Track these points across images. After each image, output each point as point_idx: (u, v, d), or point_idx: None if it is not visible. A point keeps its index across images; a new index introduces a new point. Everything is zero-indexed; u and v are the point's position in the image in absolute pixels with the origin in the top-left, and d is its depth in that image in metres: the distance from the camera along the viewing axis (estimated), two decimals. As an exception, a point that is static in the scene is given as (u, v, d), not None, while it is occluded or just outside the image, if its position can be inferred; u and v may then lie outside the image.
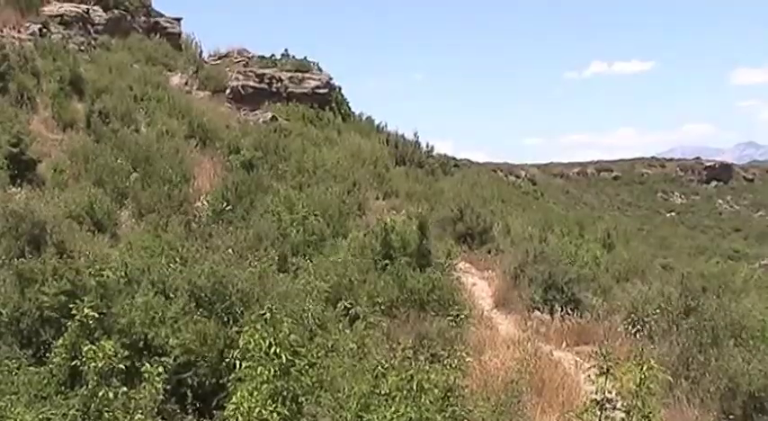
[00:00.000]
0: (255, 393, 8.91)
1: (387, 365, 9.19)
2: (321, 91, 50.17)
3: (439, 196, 36.19)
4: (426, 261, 19.69)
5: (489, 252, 27.45)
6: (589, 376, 9.12)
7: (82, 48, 37.87)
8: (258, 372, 9.07)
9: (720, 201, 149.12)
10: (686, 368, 16.06)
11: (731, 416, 14.34)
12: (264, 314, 9.49)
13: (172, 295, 13.38)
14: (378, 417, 8.61)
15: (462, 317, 16.04)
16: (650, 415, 8.70)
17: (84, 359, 9.39)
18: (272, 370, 9.06)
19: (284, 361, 9.13)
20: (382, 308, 16.33)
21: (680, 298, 19.18)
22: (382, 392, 8.83)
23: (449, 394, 8.94)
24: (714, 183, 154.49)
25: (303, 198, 24.27)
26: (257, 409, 8.62)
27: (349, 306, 14.97)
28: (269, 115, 43.06)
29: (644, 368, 8.82)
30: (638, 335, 17.49)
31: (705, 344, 16.80)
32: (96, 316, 10.88)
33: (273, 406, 8.79)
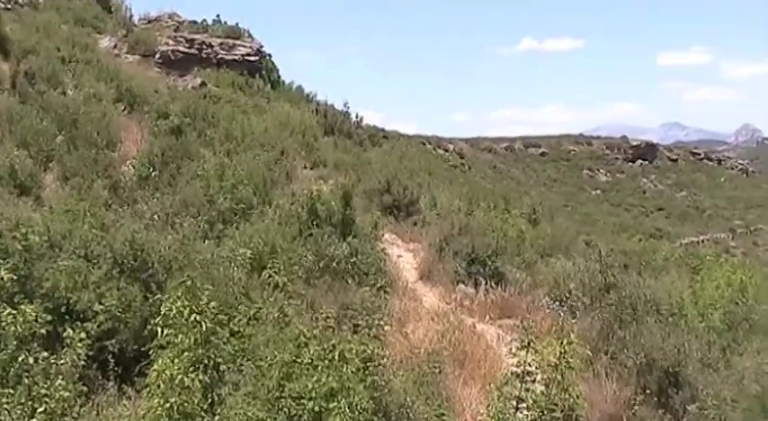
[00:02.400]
0: (177, 361, 8.86)
1: (309, 335, 9.18)
2: (252, 58, 49.80)
3: (367, 167, 36.12)
4: (351, 231, 19.67)
5: (415, 224, 27.49)
6: (511, 349, 9.20)
7: (8, 6, 37.15)
8: (180, 340, 9.02)
9: (645, 179, 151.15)
10: (606, 343, 16.28)
11: (647, 391, 14.56)
12: (185, 282, 9.43)
13: (95, 261, 13.25)
14: (299, 386, 8.61)
15: (386, 287, 16.08)
16: (569, 388, 8.82)
17: (3, 323, 9.24)
18: (194, 338, 9.02)
19: (205, 329, 9.09)
20: (305, 277, 16.31)
21: (602, 274, 19.41)
22: (304, 361, 8.83)
23: (369, 364, 8.96)
24: (639, 162, 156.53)
25: (231, 165, 24.07)
26: (179, 377, 8.58)
27: (272, 274, 14.93)
28: (198, 81, 42.69)
29: (564, 342, 8.92)
30: (559, 310, 17.66)
31: (625, 320, 17.05)
32: (15, 279, 10.73)
33: (195, 373, 8.76)
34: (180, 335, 9.04)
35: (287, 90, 52.66)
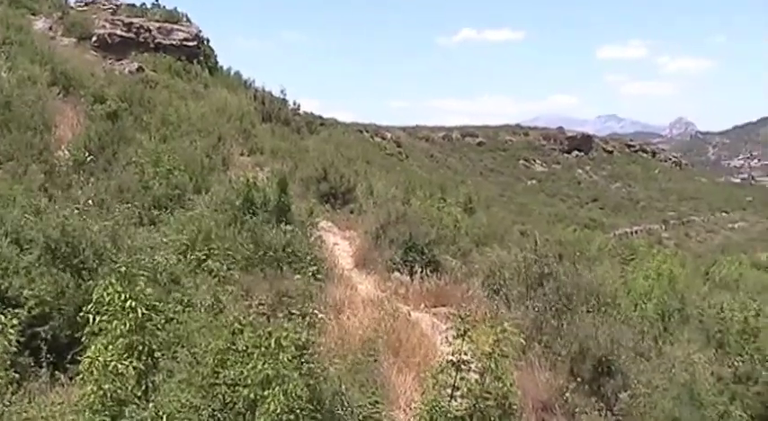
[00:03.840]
0: (111, 347, 8.80)
1: (244, 322, 9.16)
2: (189, 43, 49.54)
3: (304, 154, 36.09)
4: (286, 218, 19.62)
5: (352, 212, 27.52)
6: (446, 337, 9.25)
7: (-61, -13, 36.56)
8: (113, 327, 8.96)
9: (580, 170, 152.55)
10: (540, 332, 16.43)
11: (580, 379, 14.73)
12: (119, 267, 9.35)
13: (27, 246, 13.09)
14: (234, 373, 8.59)
15: (321, 275, 16.07)
16: (503, 376, 8.88)
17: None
18: (128, 324, 8.96)
19: (140, 315, 9.03)
20: (241, 264, 16.26)
21: (537, 263, 19.55)
22: (239, 348, 8.81)
23: (304, 351, 8.96)
24: (575, 153, 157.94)
25: (167, 151, 23.87)
26: (113, 363, 8.52)
27: (206, 260, 14.86)
28: (135, 65, 42.37)
29: (498, 331, 8.99)
30: (494, 299, 17.77)
31: (559, 309, 17.20)
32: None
33: (129, 360, 8.70)
34: (114, 322, 8.98)
35: (225, 76, 52.49)
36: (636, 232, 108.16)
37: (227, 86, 46.87)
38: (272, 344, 8.56)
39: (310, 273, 14.84)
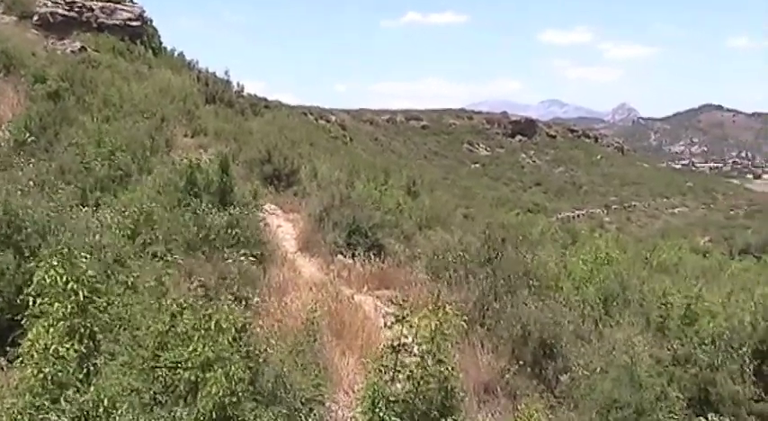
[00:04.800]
0: (52, 330, 8.72)
1: (185, 304, 9.11)
2: (133, 23, 49.05)
3: (248, 136, 35.90)
4: (229, 200, 19.52)
5: (296, 194, 27.47)
6: (388, 320, 9.27)
7: None
8: (55, 309, 8.88)
9: (524, 155, 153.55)
10: (482, 315, 16.54)
11: (521, 362, 14.85)
12: (61, 249, 9.27)
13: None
14: (175, 356, 8.55)
15: (265, 257, 16.04)
16: (444, 359, 8.93)
17: None
18: (69, 307, 8.88)
19: (81, 298, 8.96)
20: (184, 246, 16.16)
21: (480, 247, 19.65)
22: (179, 331, 8.77)
23: (245, 334, 8.94)
24: (519, 137, 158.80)
25: (109, 132, 23.64)
26: (53, 346, 8.46)
27: (149, 243, 14.77)
28: (78, 45, 41.88)
29: (440, 314, 9.02)
30: (437, 282, 17.84)
31: (501, 292, 17.32)
32: None
33: (70, 343, 8.64)
34: (55, 304, 8.90)
35: (168, 57, 52.09)
36: (578, 216, 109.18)
37: (170, 67, 46.49)
38: (212, 327, 8.53)
39: (253, 256, 14.80)
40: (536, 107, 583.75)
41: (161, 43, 53.24)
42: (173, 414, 8.04)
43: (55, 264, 9.09)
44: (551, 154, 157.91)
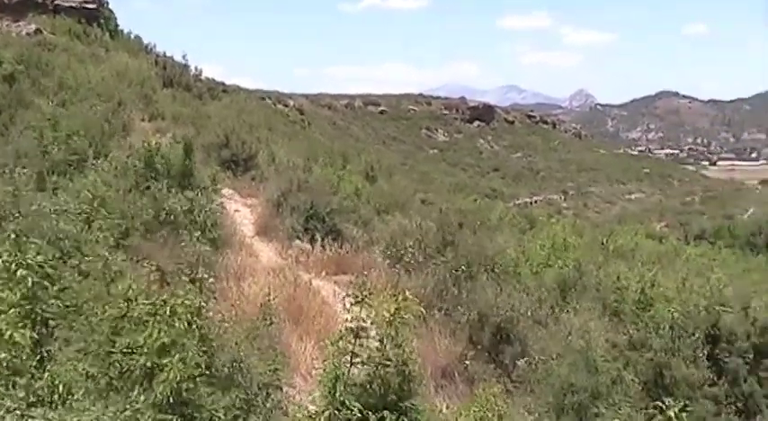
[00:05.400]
0: (4, 316, 8.63)
1: (140, 289, 9.04)
2: (89, 6, 48.64)
3: (206, 121, 35.75)
4: (189, 184, 19.43)
5: (254, 179, 27.40)
6: (346, 305, 9.25)
7: None
8: (6, 295, 8.79)
9: (482, 140, 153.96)
10: (440, 300, 16.58)
11: (479, 346, 14.92)
12: (11, 234, 9.17)
13: None
14: (130, 342, 8.49)
15: (223, 242, 15.97)
16: (402, 343, 8.92)
17: None
18: (20, 293, 8.80)
19: (32, 284, 8.88)
20: (141, 230, 16.06)
21: (438, 232, 19.70)
22: (135, 316, 8.70)
23: (202, 319, 8.89)
24: (477, 123, 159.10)
25: (66, 116, 23.44)
26: (8, 332, 8.37)
27: (105, 227, 14.65)
28: (33, 27, 41.47)
29: (398, 299, 9.02)
30: (395, 267, 17.86)
31: (459, 277, 17.37)
32: None
33: (23, 330, 8.55)
34: (6, 291, 8.81)
35: (125, 40, 51.74)
36: (536, 202, 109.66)
37: (127, 51, 46.22)
38: (168, 312, 8.47)
39: (211, 240, 14.75)
40: (494, 92, 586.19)
41: (118, 26, 52.89)
42: (128, 399, 7.99)
43: (6, 249, 9.00)
44: (509, 139, 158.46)
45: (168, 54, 50.35)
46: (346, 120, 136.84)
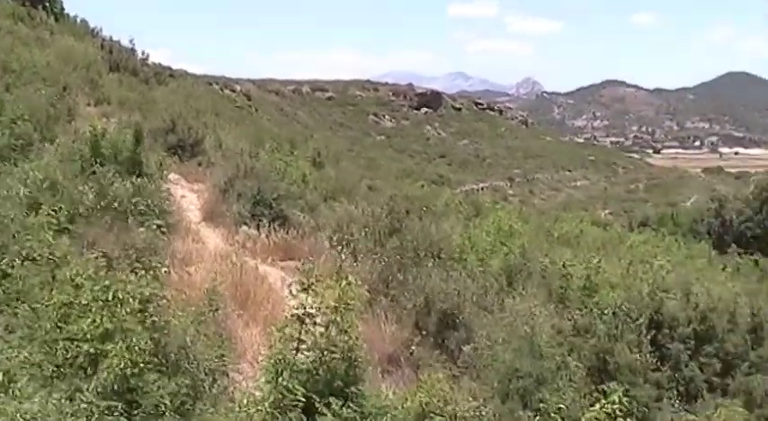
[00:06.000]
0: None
1: (85, 275, 9.00)
2: (34, -12, 48.02)
3: (152, 106, 35.46)
4: (137, 170, 19.30)
5: (200, 165, 27.24)
6: (292, 291, 9.27)
7: None
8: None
9: (429, 127, 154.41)
10: (386, 285, 16.62)
11: (425, 332, 14.99)
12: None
13: None
14: (76, 328, 8.45)
15: (169, 228, 15.89)
16: (348, 329, 8.96)
17: None
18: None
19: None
20: (86, 216, 15.93)
21: (385, 218, 19.74)
22: (81, 303, 8.66)
23: (147, 305, 8.87)
24: (424, 109, 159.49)
25: (10, 100, 23.15)
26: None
27: (51, 213, 14.52)
28: (-25, 10, 40.87)
29: (343, 284, 9.05)
30: (342, 253, 17.88)
31: (406, 263, 17.42)
32: None
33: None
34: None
35: (71, 23, 51.15)
36: (482, 188, 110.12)
37: (73, 34, 45.72)
38: (112, 298, 8.45)
39: (157, 226, 14.68)
40: (442, 80, 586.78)
41: (63, 9, 52.28)
42: (73, 386, 7.96)
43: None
44: (456, 126, 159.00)
45: (115, 38, 49.95)
46: (294, 106, 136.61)
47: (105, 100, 33.51)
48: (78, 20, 52.97)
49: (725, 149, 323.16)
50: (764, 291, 31.01)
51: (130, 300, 8.57)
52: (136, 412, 8.15)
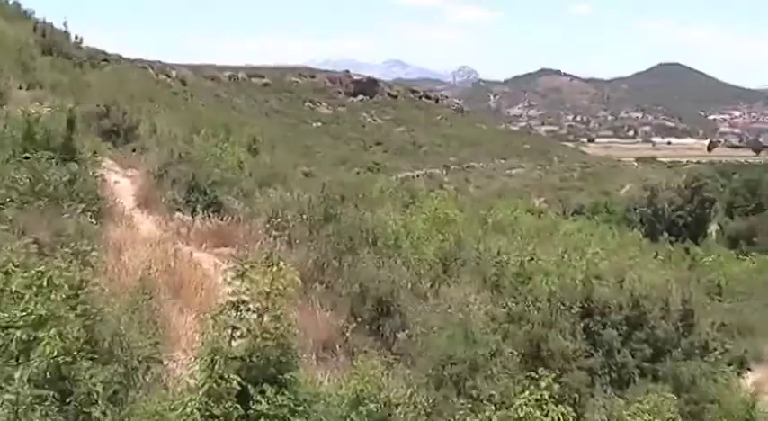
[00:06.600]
0: None
1: (17, 262, 8.90)
2: (-38, -30, 47.21)
3: (86, 90, 35.05)
4: (71, 155, 19.08)
5: (134, 150, 26.98)
6: (226, 278, 9.25)
7: None
8: None
9: (365, 114, 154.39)
10: (321, 273, 16.64)
11: (360, 319, 15.04)
12: None
13: None
14: (8, 316, 8.36)
15: (102, 214, 15.75)
16: (281, 316, 8.95)
17: None
18: None
19: None
20: (18, 202, 15.72)
21: (320, 205, 19.73)
22: (13, 290, 8.56)
23: (80, 291, 8.79)
24: (360, 96, 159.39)
25: (-63, 83, 22.79)
26: None
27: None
28: None
29: (276, 271, 9.05)
30: (277, 240, 17.85)
31: (341, 250, 17.45)
32: None
33: None
34: None
35: (2, 5, 50.32)
36: (418, 176, 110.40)
37: (4, 16, 45.01)
38: (45, 284, 8.36)
39: (90, 212, 14.54)
40: (379, 67, 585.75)
41: (-6, -10, 51.46)
42: (5, 374, 7.87)
43: None
44: (392, 114, 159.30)
45: (48, 20, 49.20)
46: (230, 93, 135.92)
47: (38, 84, 33.03)
48: (10, 1, 52.13)
49: (658, 139, 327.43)
50: (695, 279, 31.55)
51: (66, 286, 8.49)
52: (68, 401, 8.09)
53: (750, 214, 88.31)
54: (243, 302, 8.87)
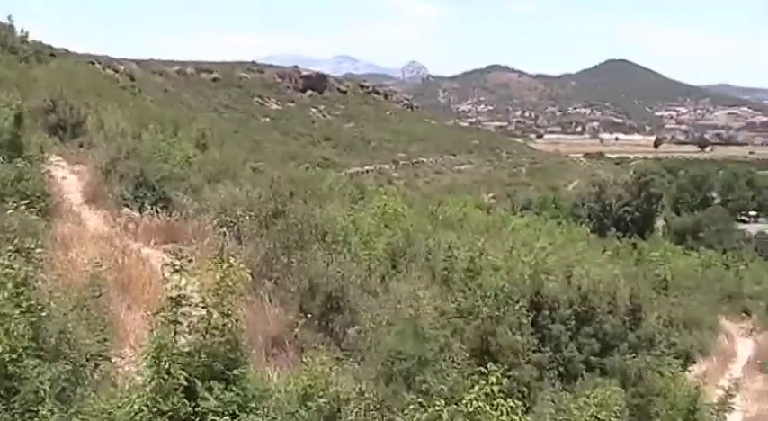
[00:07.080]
0: None
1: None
2: None
3: (32, 85, 34.69)
4: (18, 152, 18.89)
5: (81, 146, 26.75)
6: (173, 274, 9.20)
7: None
8: None
9: (314, 109, 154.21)
10: (270, 268, 16.61)
11: (309, 315, 15.02)
12: None
13: None
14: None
15: (49, 210, 15.60)
16: (229, 312, 8.93)
17: None
18: None
19: None
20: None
21: (269, 201, 19.69)
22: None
23: (25, 288, 8.72)
24: (309, 92, 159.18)
25: None
26: None
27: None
28: None
29: (225, 267, 9.03)
30: (226, 236, 17.80)
31: (290, 246, 17.43)
32: None
33: None
34: None
35: (-56, -1, 49.72)
36: (367, 171, 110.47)
37: (-53, 11, 44.54)
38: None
39: (40, 209, 14.41)
40: (328, 62, 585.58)
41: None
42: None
43: None
44: (341, 109, 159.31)
45: (-9, 15, 48.76)
46: (178, 88, 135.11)
47: (-18, 78, 32.68)
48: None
49: (606, 135, 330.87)
50: (642, 274, 31.88)
51: (11, 283, 8.42)
52: (14, 399, 8.02)
53: (696, 210, 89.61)
54: (184, 297, 8.83)
